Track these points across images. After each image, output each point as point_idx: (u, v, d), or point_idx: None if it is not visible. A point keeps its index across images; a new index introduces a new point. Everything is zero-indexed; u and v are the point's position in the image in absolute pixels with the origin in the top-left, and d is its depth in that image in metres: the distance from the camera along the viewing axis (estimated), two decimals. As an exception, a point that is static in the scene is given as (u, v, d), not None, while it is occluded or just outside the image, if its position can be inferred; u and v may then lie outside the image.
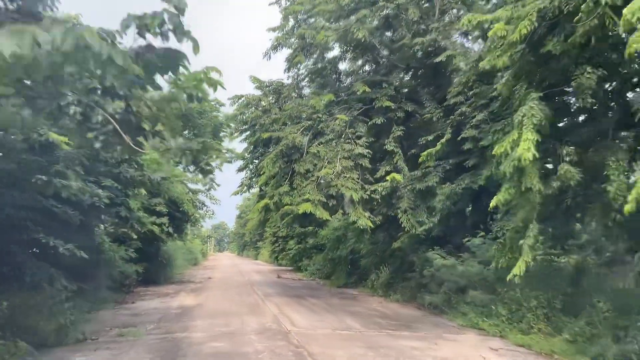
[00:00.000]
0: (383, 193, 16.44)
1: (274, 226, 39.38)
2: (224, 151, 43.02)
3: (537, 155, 7.88)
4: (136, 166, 12.69)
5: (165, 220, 20.88)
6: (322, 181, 15.94)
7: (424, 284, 17.48)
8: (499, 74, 12.07)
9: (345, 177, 15.90)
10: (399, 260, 19.82)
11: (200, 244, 68.43)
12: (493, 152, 9.03)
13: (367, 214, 15.80)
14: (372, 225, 15.58)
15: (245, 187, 20.02)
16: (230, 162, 43.35)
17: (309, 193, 15.55)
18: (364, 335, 10.79)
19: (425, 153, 15.07)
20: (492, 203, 9.29)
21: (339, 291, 21.45)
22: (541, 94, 8.44)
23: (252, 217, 27.38)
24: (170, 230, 23.88)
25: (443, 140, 15.13)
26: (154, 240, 24.59)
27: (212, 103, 41.73)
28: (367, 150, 16.27)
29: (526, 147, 7.78)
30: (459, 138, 15.41)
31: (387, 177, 15.57)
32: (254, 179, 19.75)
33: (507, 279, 9.13)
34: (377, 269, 21.80)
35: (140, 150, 5.07)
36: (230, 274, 33.91)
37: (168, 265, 27.24)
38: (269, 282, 26.41)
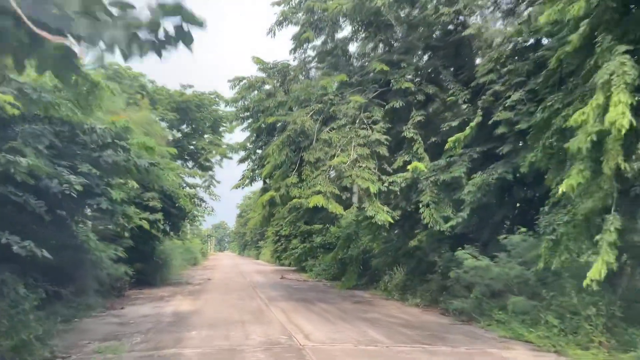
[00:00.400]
0: (402, 185, 14.56)
1: (276, 225, 37.50)
2: (223, 147, 41.25)
3: (634, 122, 5.96)
4: (121, 151, 10.76)
5: (159, 216, 18.98)
6: (334, 171, 14.03)
7: (446, 287, 15.63)
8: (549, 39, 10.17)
9: (361, 166, 14.01)
10: (416, 260, 17.94)
11: (200, 244, 66.55)
12: (567, 124, 7.12)
13: (385, 208, 13.89)
14: (392, 221, 13.68)
15: (248, 180, 18.10)
16: (230, 157, 41.47)
17: (319, 184, 13.65)
18: (394, 351, 8.88)
19: (453, 138, 13.20)
20: (562, 188, 7.39)
21: (349, 294, 19.55)
22: (630, 47, 6.53)
23: (253, 216, 25.51)
24: (166, 227, 21.98)
25: (473, 123, 13.27)
26: (149, 239, 22.71)
27: (212, 96, 39.98)
28: (385, 137, 14.37)
29: (620, 112, 5.90)
30: (489, 122, 13.54)
31: (409, 167, 13.67)
32: (257, 171, 17.84)
33: (585, 284, 7.20)
34: (390, 269, 19.95)
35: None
36: (231, 275, 32.01)
37: (164, 266, 25.32)
38: (272, 284, 24.51)
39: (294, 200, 13.63)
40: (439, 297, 15.80)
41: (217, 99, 40.11)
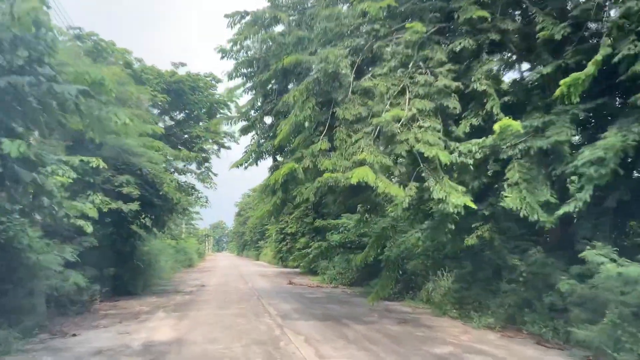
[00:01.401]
0: (478, 155, 9.89)
1: (281, 222, 32.80)
2: (221, 135, 36.50)
3: None
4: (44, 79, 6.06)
5: (135, 206, 14.20)
6: (382, 136, 9.36)
7: (529, 302, 11.06)
8: None
9: (422, 126, 9.31)
10: (477, 262, 13.29)
11: (196, 243, 61.77)
12: None
13: (460, 188, 9.21)
14: (473, 206, 8.98)
15: (252, 157, 13.37)
16: (228, 147, 36.72)
17: (363, 151, 8.94)
18: None
19: (568, 80, 8.58)
20: None
21: (383, 307, 14.89)
22: None
23: (252, 215, 20.70)
24: (147, 222, 17.24)
25: (599, 56, 8.60)
26: (128, 236, 17.97)
27: (207, 79, 35.28)
28: (456, 84, 9.70)
29: None
30: (614, 60, 8.89)
31: (496, 126, 8.97)
32: (265, 144, 13.11)
33: None
34: (434, 274, 15.34)
35: None
36: (230, 279, 27.23)
37: (149, 270, 20.59)
38: (280, 291, 19.78)
39: (325, 176, 8.91)
40: (520, 316, 11.18)
41: (213, 82, 35.45)
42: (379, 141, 9.50)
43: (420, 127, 9.32)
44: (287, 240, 32.48)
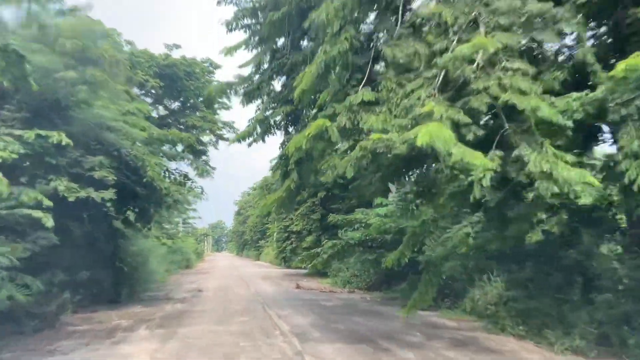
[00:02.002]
0: (578, 115, 6.92)
1: (285, 219, 29.83)
2: (220, 125, 33.51)
3: None
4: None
5: (109, 194, 11.15)
6: (450, 80, 6.39)
7: (628, 317, 8.15)
8: None
9: (508, 69, 6.34)
10: (541, 264, 10.37)
11: (194, 243, 58.77)
12: None
13: (569, 157, 6.24)
14: (597, 185, 5.99)
15: (258, 129, 10.38)
16: (226, 139, 33.69)
17: (428, 102, 5.97)
18: None
19: None
20: None
21: (421, 320, 11.93)
22: None
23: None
24: (130, 216, 14.26)
25: None
26: (111, 235, 15.02)
27: (204, 64, 32.30)
28: (549, 5, 6.72)
29: None
30: None
31: (620, 66, 6.01)
32: (274, 113, 10.12)
33: None
34: (479, 278, 12.46)
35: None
36: (230, 282, 24.22)
37: (135, 273, 17.60)
38: (289, 298, 16.80)
39: (374, 137, 5.84)
40: (618, 337, 8.25)
41: (211, 68, 32.48)
42: (443, 94, 6.51)
43: (505, 69, 6.35)
44: (292, 239, 29.49)
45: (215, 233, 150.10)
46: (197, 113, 31.19)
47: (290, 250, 30.18)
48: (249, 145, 10.64)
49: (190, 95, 31.13)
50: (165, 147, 20.93)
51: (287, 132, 10.69)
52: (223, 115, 33.48)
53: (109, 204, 12.24)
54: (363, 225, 18.57)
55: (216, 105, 33.62)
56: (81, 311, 13.45)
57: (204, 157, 34.48)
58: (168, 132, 18.89)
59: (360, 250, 16.49)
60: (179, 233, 48.26)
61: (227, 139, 33.65)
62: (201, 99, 32.40)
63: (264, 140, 10.64)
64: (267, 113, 10.73)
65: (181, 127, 33.24)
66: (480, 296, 12.43)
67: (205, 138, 32.71)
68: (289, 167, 9.03)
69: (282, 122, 10.35)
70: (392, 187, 21.69)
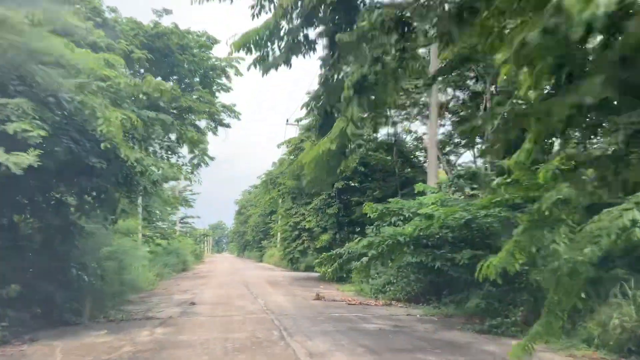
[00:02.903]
0: None
1: (295, 214, 25.28)
2: (219, 108, 28.98)
3: None
4: None
5: (31, 159, 6.56)
6: None
7: None
8: None
9: None
10: None
11: (192, 244, 54.19)
12: None
13: None
14: None
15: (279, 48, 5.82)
16: (227, 125, 29.25)
17: None
18: None
19: None
20: None
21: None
22: None
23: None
24: (85, 203, 9.67)
25: None
26: (66, 232, 10.48)
27: (201, 38, 27.81)
28: None
29: None
30: None
31: None
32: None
33: None
34: (601, 295, 8.04)
35: None
36: (231, 291, 19.61)
37: (104, 284, 13.02)
38: (314, 318, 12.19)
39: None
40: None
41: (208, 42, 27.95)
42: None
43: None
44: (304, 238, 24.90)
45: (216, 234, 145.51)
46: (194, 95, 26.62)
47: (300, 250, 25.60)
48: (265, 72, 6.12)
49: (184, 73, 26.57)
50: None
51: (331, 51, 6.16)
52: (221, 101, 28.92)
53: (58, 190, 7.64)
54: (403, 218, 14.05)
55: (214, 87, 29.16)
56: (11, 342, 8.93)
57: (201, 146, 30.06)
58: (144, 81, 14.07)
59: (409, 251, 11.91)
60: (175, 233, 43.67)
61: (227, 125, 29.19)
62: (197, 79, 27.97)
63: (288, 63, 6.15)
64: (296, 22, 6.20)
65: (174, 111, 28.73)
66: (614, 319, 7.96)
67: (203, 123, 28.24)
68: (344, 94, 4.58)
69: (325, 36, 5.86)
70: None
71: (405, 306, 14.24)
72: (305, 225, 23.87)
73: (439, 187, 15.83)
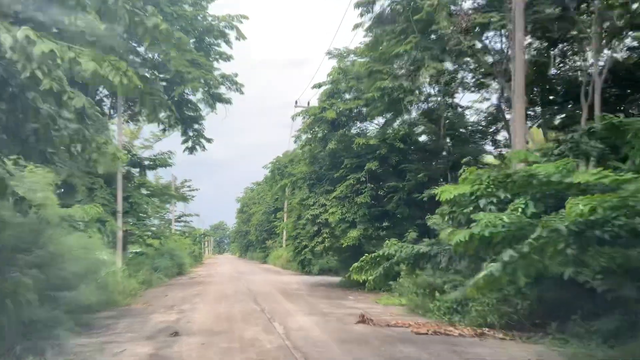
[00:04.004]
0: None
1: (314, 205, 19.87)
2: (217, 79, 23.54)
3: None
4: None
5: None
6: None
7: None
8: None
9: None
10: None
11: (190, 244, 48.80)
12: None
13: None
14: None
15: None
16: (228, 101, 24.23)
17: None
18: None
19: None
20: None
21: None
22: None
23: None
24: None
25: None
26: None
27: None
28: None
29: None
30: None
31: None
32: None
33: None
34: None
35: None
36: (233, 308, 14.18)
37: (27, 308, 7.61)
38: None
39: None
40: None
41: (204, -3, 22.67)
42: None
43: None
44: (324, 234, 19.49)
45: (217, 234, 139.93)
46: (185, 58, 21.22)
47: (322, 250, 20.15)
48: None
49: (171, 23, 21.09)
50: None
51: None
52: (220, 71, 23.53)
53: None
54: (497, 201, 8.69)
55: (212, 56, 23.80)
56: None
57: (196, 126, 24.74)
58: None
59: (574, 248, 6.50)
60: (168, 231, 38.27)
61: (227, 101, 23.83)
62: (192, 40, 22.59)
63: None
64: None
65: (164, 82, 23.37)
66: None
67: (197, 96, 22.90)
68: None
69: None
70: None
71: (509, 337, 8.88)
72: (327, 219, 18.51)
73: (542, 153, 10.45)
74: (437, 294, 11.45)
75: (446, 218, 10.58)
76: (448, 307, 10.91)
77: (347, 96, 18.38)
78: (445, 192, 9.86)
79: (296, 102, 32.71)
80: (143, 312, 13.18)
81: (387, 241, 15.65)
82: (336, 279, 24.35)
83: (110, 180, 20.57)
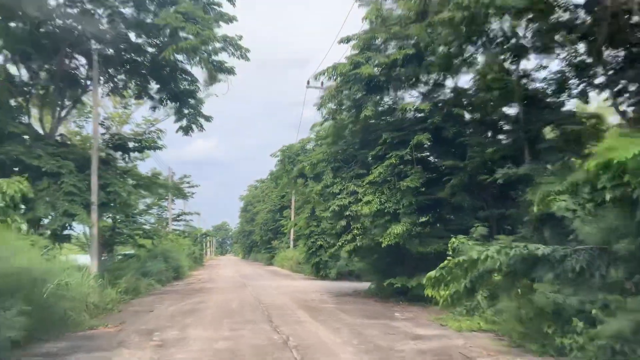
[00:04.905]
0: None
1: (340, 193, 15.31)
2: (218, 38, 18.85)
3: None
4: None
5: None
6: None
7: None
8: None
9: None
10: None
11: (189, 245, 44.43)
12: None
13: None
14: None
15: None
16: (231, 71, 20.08)
17: None
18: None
19: None
20: None
21: None
22: None
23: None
24: None
25: None
26: None
27: None
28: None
29: None
30: None
31: None
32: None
33: None
34: None
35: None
36: (241, 334, 9.72)
37: None
38: None
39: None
40: None
41: None
42: None
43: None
44: (355, 230, 14.99)
45: (219, 235, 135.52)
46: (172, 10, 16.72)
47: (353, 249, 15.58)
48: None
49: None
50: None
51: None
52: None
53: None
54: None
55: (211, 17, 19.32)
56: None
57: (191, 101, 20.31)
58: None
59: None
60: (162, 230, 33.86)
61: (229, 70, 19.36)
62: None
63: None
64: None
65: (153, 49, 18.94)
66: None
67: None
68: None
69: None
70: None
71: None
72: (358, 210, 14.08)
73: None
74: (571, 321, 6.98)
75: (607, 197, 6.13)
76: (602, 345, 6.44)
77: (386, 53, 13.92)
78: (612, 149, 5.46)
79: (308, 82, 28.33)
80: (106, 343, 8.73)
81: (452, 239, 11.28)
82: (361, 285, 19.97)
83: (84, 164, 16.18)
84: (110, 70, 19.18)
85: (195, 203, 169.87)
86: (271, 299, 15.71)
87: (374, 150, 14.13)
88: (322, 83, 28.97)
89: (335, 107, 15.53)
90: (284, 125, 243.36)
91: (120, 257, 25.87)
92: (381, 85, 13.48)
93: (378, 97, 13.69)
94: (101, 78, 18.41)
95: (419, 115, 13.32)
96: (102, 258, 24.58)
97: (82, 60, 18.46)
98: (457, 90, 13.31)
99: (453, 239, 10.97)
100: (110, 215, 22.06)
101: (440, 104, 13.20)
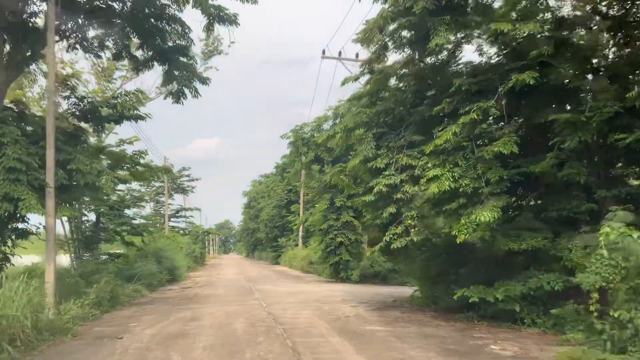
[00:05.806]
0: None
1: (385, 169, 10.81)
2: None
3: None
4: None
5: None
6: None
7: None
8: None
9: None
10: None
11: (190, 242, 40.08)
12: None
13: None
14: None
15: None
16: (236, 21, 15.55)
17: None
18: None
19: None
20: None
21: None
22: None
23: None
24: None
25: None
26: None
27: None
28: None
29: None
30: None
31: None
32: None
33: None
34: None
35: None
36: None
37: None
38: None
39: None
40: None
41: None
42: None
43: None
44: (409, 219, 10.54)
45: (222, 233, 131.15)
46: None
47: (402, 246, 11.11)
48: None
49: None
50: None
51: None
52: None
53: None
54: None
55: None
56: None
57: (182, 59, 15.88)
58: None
59: None
60: (156, 226, 29.53)
61: (233, 19, 14.92)
62: None
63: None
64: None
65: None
66: None
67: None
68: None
69: None
70: None
71: None
72: (419, 190, 9.68)
73: None
74: None
75: None
76: None
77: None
78: None
79: (323, 52, 24.13)
80: None
81: (605, 229, 6.82)
82: (397, 291, 15.66)
83: (39, 135, 11.83)
84: (79, 20, 14.78)
85: (196, 202, 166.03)
86: (290, 315, 11.30)
87: (440, 105, 9.68)
88: (339, 53, 24.53)
89: (374, 53, 11.07)
90: (288, 125, 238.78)
91: (106, 257, 21.63)
92: (456, 3, 9.01)
93: (453, 19, 9.13)
94: (64, 27, 14.00)
95: (515, 45, 8.87)
96: (83, 258, 20.37)
97: (43, 6, 14.09)
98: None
99: (607, 229, 6.51)
100: (85, 205, 17.74)
101: (551, 26, 8.74)
